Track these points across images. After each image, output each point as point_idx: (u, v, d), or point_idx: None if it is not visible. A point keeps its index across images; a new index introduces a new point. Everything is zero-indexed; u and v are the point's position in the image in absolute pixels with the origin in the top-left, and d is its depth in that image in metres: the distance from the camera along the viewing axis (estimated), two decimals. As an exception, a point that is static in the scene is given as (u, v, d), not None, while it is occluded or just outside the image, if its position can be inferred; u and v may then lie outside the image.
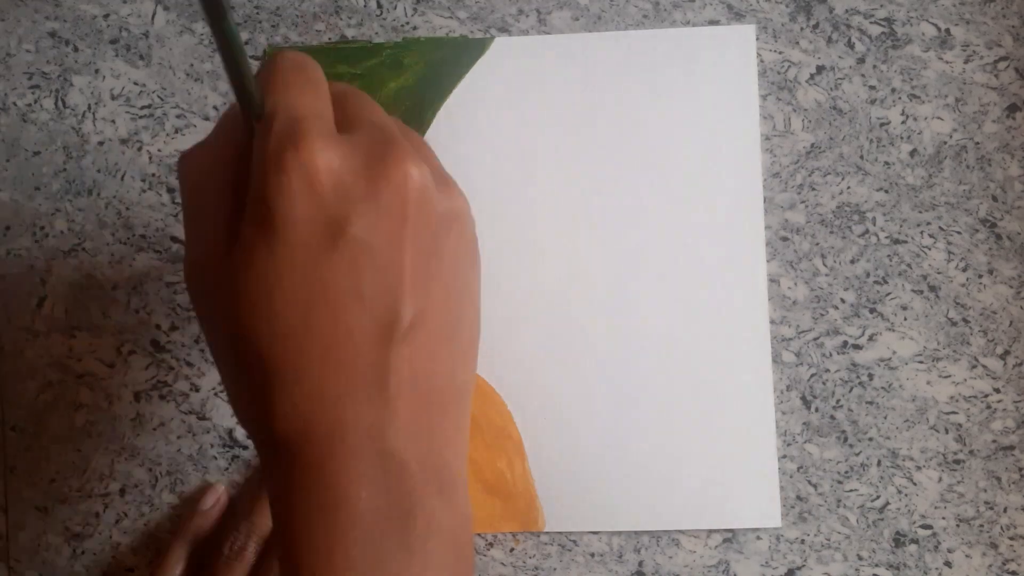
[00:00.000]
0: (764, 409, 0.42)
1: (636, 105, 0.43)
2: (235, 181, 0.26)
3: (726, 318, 0.42)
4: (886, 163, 0.43)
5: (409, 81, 0.43)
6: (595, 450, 0.42)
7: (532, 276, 0.43)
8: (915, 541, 0.42)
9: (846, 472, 0.42)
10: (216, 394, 0.44)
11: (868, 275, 0.43)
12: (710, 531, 0.42)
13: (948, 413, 0.42)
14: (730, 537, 0.42)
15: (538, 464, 0.42)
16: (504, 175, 0.43)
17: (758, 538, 0.42)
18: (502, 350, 0.43)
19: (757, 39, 0.43)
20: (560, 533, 0.42)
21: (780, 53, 0.43)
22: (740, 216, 0.42)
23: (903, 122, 0.43)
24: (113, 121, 0.44)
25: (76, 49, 0.44)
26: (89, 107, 0.44)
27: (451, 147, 0.43)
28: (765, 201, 0.43)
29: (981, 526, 0.42)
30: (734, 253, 0.42)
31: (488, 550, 0.43)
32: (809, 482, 0.42)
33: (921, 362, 0.43)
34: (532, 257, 0.43)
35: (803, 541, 0.42)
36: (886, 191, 0.43)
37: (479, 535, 0.43)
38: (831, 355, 0.43)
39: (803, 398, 0.43)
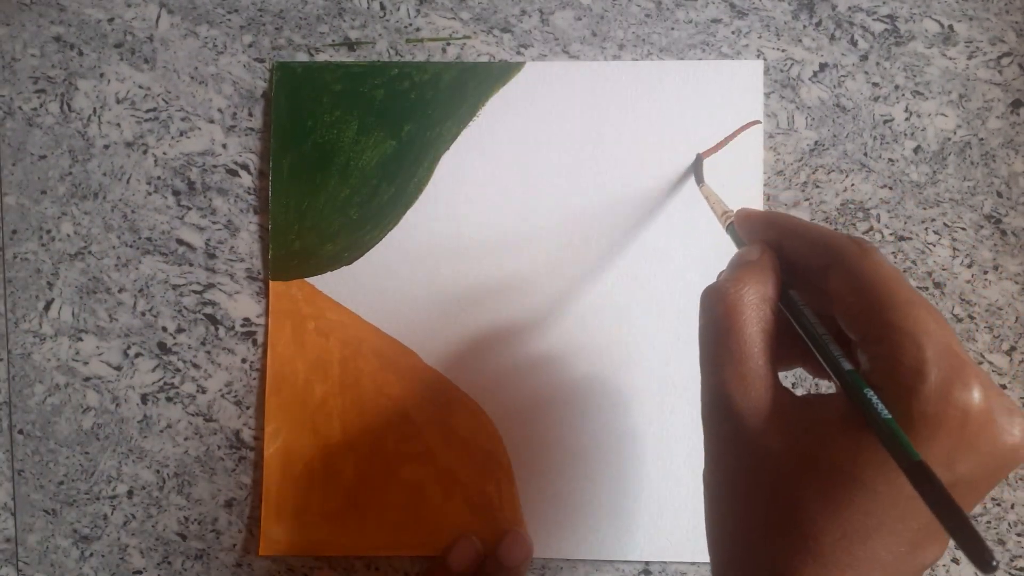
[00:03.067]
0: None
1: (649, 129, 0.43)
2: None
3: None
4: (890, 160, 0.43)
5: (442, 98, 0.43)
6: (584, 478, 0.42)
7: (529, 299, 0.43)
8: (922, 538, 0.42)
9: (852, 469, 0.42)
10: (223, 396, 0.44)
11: (873, 272, 0.43)
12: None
13: (954, 409, 0.42)
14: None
15: (526, 490, 0.42)
16: (519, 195, 0.43)
17: (765, 536, 0.42)
18: (494, 373, 0.43)
19: (759, 37, 0.43)
20: (545, 559, 0.42)
21: (783, 51, 0.43)
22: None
23: (907, 119, 0.43)
24: (118, 124, 0.44)
25: (81, 53, 0.45)
26: (94, 111, 0.44)
27: (474, 162, 0.43)
28: (769, 199, 0.43)
29: (989, 522, 0.42)
30: None
31: (495, 550, 0.43)
32: (816, 479, 0.42)
33: (927, 359, 0.42)
34: (532, 280, 0.43)
35: (810, 539, 0.42)
36: (890, 188, 0.43)
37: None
38: (836, 352, 0.43)
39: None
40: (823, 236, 0.28)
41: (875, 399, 0.24)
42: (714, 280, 0.30)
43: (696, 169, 0.42)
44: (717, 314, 0.28)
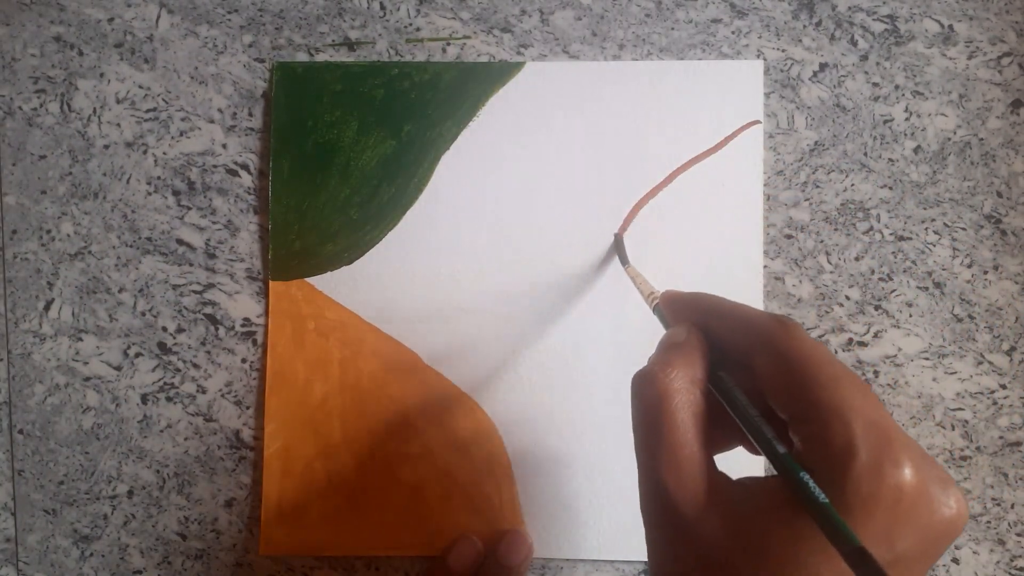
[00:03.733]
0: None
1: (649, 129, 0.43)
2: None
3: None
4: (890, 160, 0.43)
5: (442, 98, 0.43)
6: (584, 478, 0.42)
7: (530, 299, 0.43)
8: (922, 538, 0.42)
9: (853, 469, 0.42)
10: (223, 395, 0.44)
11: (873, 272, 0.43)
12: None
13: (954, 410, 0.42)
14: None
15: (526, 490, 0.42)
16: (520, 195, 0.43)
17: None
18: (494, 374, 0.43)
19: (759, 37, 0.43)
20: (545, 559, 0.42)
21: (783, 51, 0.43)
22: (739, 259, 0.43)
23: (907, 119, 0.43)
24: (118, 124, 0.44)
25: (81, 53, 0.45)
26: (94, 111, 0.44)
27: (474, 162, 0.43)
28: (769, 199, 0.43)
29: (988, 523, 0.42)
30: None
31: (495, 550, 0.43)
32: (816, 479, 0.42)
33: (927, 359, 0.43)
34: (533, 280, 0.43)
35: (810, 539, 0.42)
36: (890, 188, 0.43)
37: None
38: (836, 352, 0.43)
39: (809, 395, 0.43)
40: (746, 316, 0.28)
41: (811, 483, 0.24)
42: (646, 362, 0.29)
43: (619, 250, 0.42)
44: (647, 401, 0.27)
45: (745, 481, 0.27)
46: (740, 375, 0.28)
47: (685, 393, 0.27)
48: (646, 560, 0.42)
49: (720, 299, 0.30)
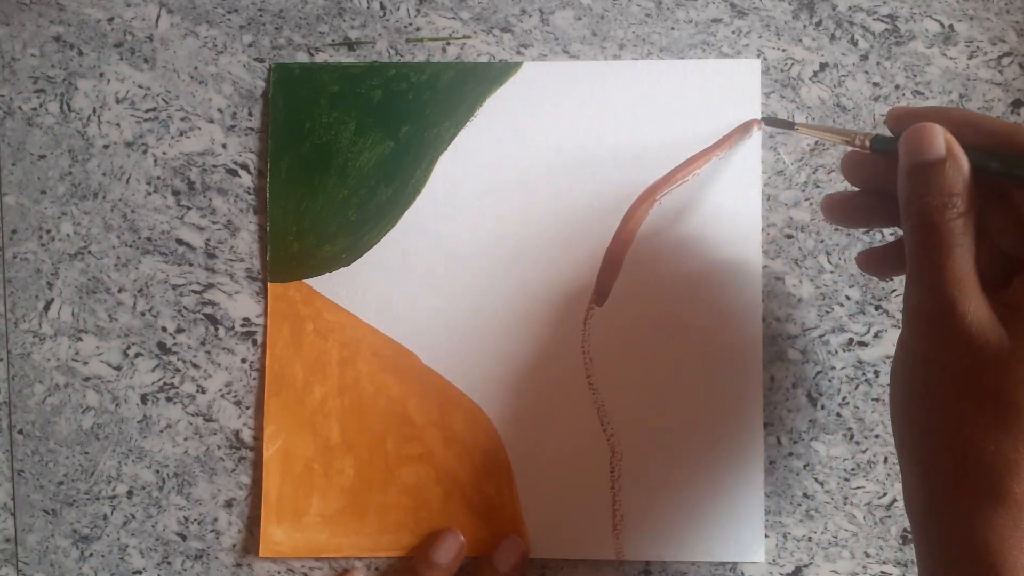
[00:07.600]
0: (754, 442, 0.42)
1: (649, 129, 0.43)
2: None
3: (722, 360, 0.42)
4: (890, 160, 0.43)
5: (440, 99, 0.43)
6: (584, 478, 0.42)
7: (528, 299, 0.43)
8: (922, 539, 0.42)
9: (853, 469, 0.42)
10: (222, 396, 0.44)
11: (873, 272, 0.43)
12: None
13: (955, 410, 0.42)
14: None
15: (526, 490, 0.42)
16: (518, 195, 0.43)
17: (766, 536, 0.42)
18: (493, 374, 0.43)
19: (760, 37, 0.43)
20: (545, 560, 0.42)
21: (783, 51, 0.43)
22: (739, 259, 0.42)
23: (907, 119, 0.43)
24: (118, 124, 0.44)
25: (81, 53, 0.45)
26: (94, 110, 0.44)
27: (472, 163, 0.43)
28: (769, 199, 0.43)
29: (989, 523, 0.42)
30: (732, 304, 0.43)
31: (494, 550, 0.43)
32: (816, 479, 0.42)
33: (927, 359, 0.42)
34: (531, 280, 0.43)
35: (810, 539, 0.42)
36: (891, 188, 0.43)
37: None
38: (837, 352, 0.43)
39: (809, 395, 0.43)
40: (1006, 128, 0.29)
41: None
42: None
43: (775, 124, 0.42)
44: (931, 238, 0.28)
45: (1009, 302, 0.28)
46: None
47: (962, 230, 0.28)
48: (645, 560, 0.42)
49: (966, 112, 0.30)
